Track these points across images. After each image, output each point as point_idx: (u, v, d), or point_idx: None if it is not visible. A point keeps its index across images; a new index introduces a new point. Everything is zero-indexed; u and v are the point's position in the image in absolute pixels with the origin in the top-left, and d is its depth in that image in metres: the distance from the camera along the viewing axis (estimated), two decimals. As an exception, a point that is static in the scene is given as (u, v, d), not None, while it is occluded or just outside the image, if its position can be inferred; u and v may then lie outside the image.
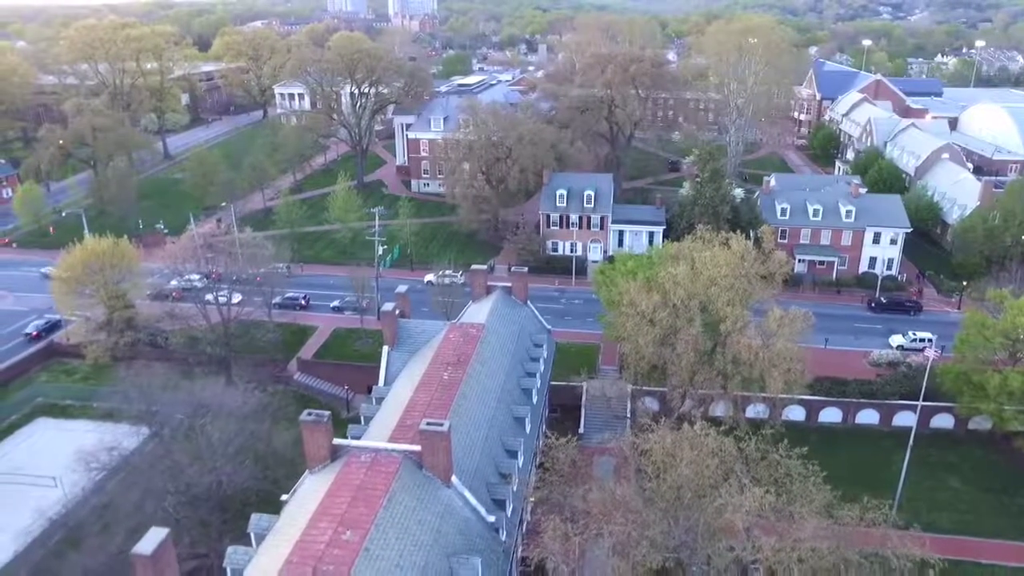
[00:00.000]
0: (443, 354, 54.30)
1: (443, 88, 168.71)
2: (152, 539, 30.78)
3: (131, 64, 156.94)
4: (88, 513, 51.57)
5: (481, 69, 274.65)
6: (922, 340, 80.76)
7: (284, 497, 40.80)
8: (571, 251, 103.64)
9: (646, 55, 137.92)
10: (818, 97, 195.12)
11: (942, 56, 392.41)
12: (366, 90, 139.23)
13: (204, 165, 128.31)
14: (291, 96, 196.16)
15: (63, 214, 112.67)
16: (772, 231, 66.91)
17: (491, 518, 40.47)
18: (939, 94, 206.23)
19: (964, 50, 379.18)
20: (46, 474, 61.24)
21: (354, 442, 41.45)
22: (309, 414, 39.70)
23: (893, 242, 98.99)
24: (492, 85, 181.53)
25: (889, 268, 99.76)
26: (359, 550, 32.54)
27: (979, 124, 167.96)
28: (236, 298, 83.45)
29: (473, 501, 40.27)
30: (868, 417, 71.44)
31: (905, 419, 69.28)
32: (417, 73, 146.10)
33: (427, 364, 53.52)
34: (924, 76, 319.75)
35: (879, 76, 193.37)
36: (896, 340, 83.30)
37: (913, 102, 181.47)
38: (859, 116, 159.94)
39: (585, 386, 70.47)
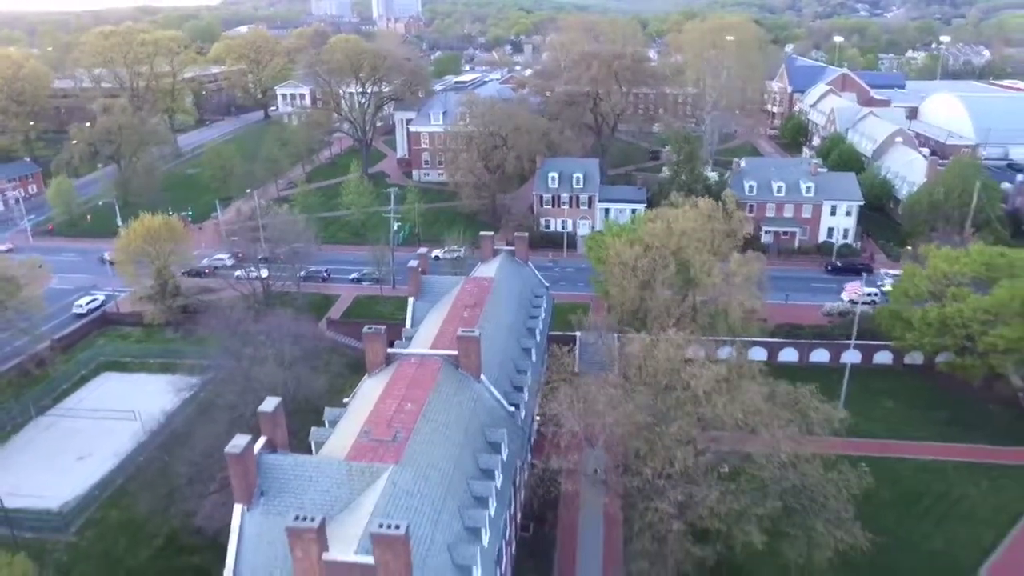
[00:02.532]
0: (461, 299, 65.63)
1: (439, 86, 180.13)
2: (271, 402, 42.21)
3: (145, 67, 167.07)
4: (173, 431, 62.34)
5: (471, 69, 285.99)
6: (869, 294, 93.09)
7: (346, 400, 52.07)
8: (563, 228, 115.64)
9: (628, 52, 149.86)
10: (789, 90, 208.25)
11: (912, 51, 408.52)
12: (370, 88, 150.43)
13: (221, 158, 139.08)
14: (292, 96, 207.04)
15: (100, 203, 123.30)
16: (734, 196, 78.84)
17: (511, 408, 52.10)
18: (902, 86, 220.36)
19: (933, 46, 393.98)
20: (123, 411, 72.29)
21: (404, 350, 52.97)
22: (369, 328, 51.21)
23: (848, 214, 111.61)
24: (485, 82, 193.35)
25: (845, 237, 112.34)
26: (419, 414, 44.05)
27: (936, 113, 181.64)
28: (264, 273, 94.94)
29: (497, 394, 51.87)
30: (820, 356, 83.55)
31: (851, 357, 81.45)
32: (417, 72, 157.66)
33: (448, 308, 64.78)
34: (895, 70, 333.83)
35: (845, 70, 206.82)
36: (846, 295, 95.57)
37: (877, 94, 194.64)
38: (824, 106, 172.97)
39: (579, 334, 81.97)
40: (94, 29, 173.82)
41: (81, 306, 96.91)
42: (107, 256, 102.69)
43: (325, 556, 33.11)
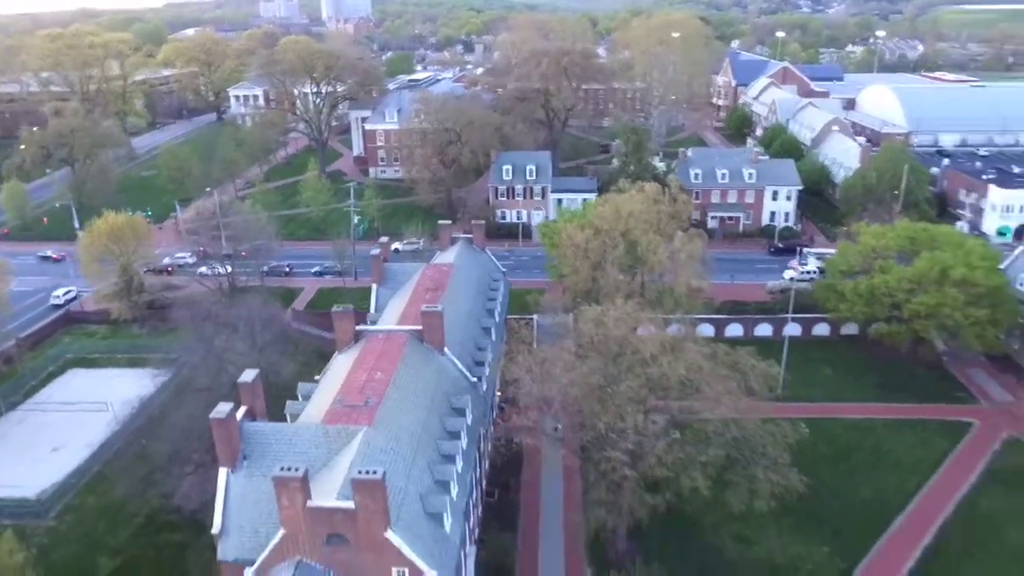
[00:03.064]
0: (422, 284, 68.77)
1: (392, 85, 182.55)
2: (249, 374, 45.23)
3: (96, 70, 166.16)
4: (150, 416, 64.46)
5: (423, 69, 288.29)
6: (809, 272, 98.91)
7: (317, 377, 55.04)
8: (518, 218, 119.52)
9: (576, 48, 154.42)
10: (734, 84, 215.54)
11: (852, 46, 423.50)
12: (325, 88, 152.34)
13: (177, 159, 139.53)
14: (246, 98, 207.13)
15: (57, 205, 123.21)
16: (678, 180, 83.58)
17: (474, 378, 55.66)
18: (840, 79, 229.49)
19: (871, 40, 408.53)
20: (97, 403, 73.88)
21: (372, 327, 56.16)
22: (338, 307, 54.29)
23: (788, 198, 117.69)
24: (439, 80, 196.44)
25: (786, 220, 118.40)
26: (388, 383, 47.33)
27: (872, 103, 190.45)
28: (227, 269, 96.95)
29: (460, 365, 55.39)
30: (764, 330, 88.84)
31: (792, 330, 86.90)
32: (370, 71, 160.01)
33: (410, 292, 67.84)
34: (835, 64, 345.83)
35: (786, 63, 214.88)
36: (788, 273, 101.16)
37: (817, 86, 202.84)
38: (766, 98, 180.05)
39: (536, 317, 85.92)
40: (40, 32, 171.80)
41: (58, 296, 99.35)
42: (50, 253, 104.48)
43: (309, 503, 36.35)
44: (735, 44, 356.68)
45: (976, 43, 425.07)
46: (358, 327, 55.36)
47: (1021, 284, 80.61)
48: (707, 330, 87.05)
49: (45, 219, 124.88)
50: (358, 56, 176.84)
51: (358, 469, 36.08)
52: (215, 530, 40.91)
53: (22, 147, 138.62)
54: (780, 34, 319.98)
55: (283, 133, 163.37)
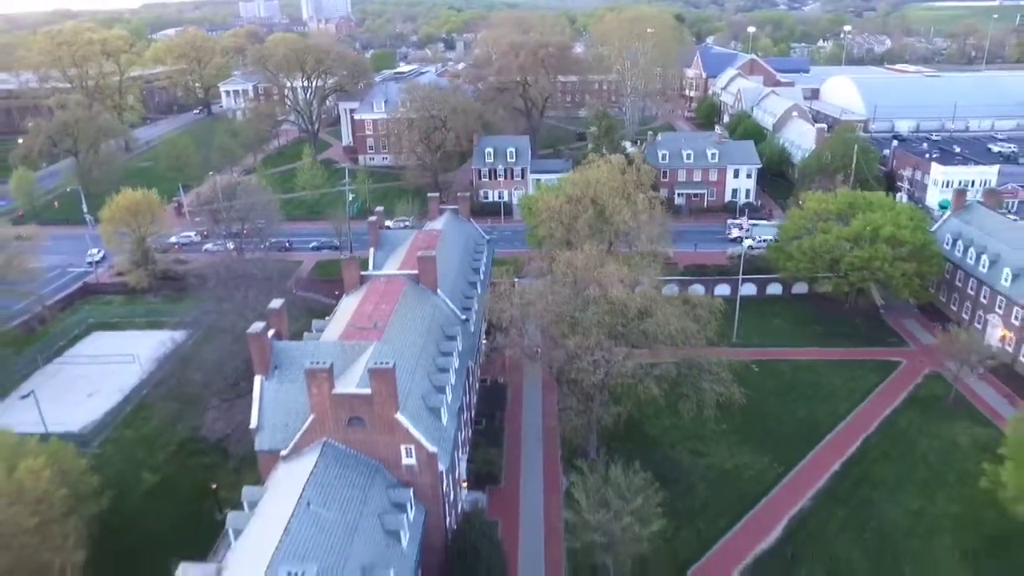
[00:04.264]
0: (416, 245, 77.56)
1: (378, 78, 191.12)
2: (277, 302, 54.06)
3: (94, 66, 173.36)
4: (181, 356, 72.83)
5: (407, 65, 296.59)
6: (764, 240, 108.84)
7: (328, 318, 63.77)
8: (499, 198, 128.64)
9: (553, 41, 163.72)
10: (704, 76, 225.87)
11: (823, 41, 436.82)
12: (315, 81, 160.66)
13: (176, 148, 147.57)
14: (236, 92, 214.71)
15: (68, 189, 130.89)
16: (641, 153, 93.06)
17: (463, 316, 64.72)
18: (807, 71, 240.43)
19: (841, 35, 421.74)
20: (124, 356, 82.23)
21: (375, 272, 65.10)
22: (345, 255, 63.09)
23: (749, 176, 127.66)
24: (423, 73, 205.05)
25: (747, 196, 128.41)
26: (391, 312, 56.28)
27: (834, 93, 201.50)
28: (230, 245, 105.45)
29: (452, 305, 64.45)
30: (723, 290, 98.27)
31: (748, 290, 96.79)
32: (359, 64, 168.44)
33: (405, 251, 76.81)
34: (805, 58, 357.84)
35: (753, 56, 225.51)
36: (747, 242, 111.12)
37: (783, 77, 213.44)
38: (733, 88, 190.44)
39: (517, 280, 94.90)
40: (42, 29, 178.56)
41: (93, 254, 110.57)
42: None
43: (334, 391, 45.28)
44: (710, 40, 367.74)
45: (942, 38, 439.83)
46: (363, 273, 64.24)
47: (947, 244, 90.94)
48: (671, 289, 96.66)
49: (56, 203, 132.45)
50: (346, 51, 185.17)
51: (373, 362, 45.08)
52: (252, 425, 49.68)
53: (23, 139, 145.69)
54: (751, 29, 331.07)
55: (275, 125, 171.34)
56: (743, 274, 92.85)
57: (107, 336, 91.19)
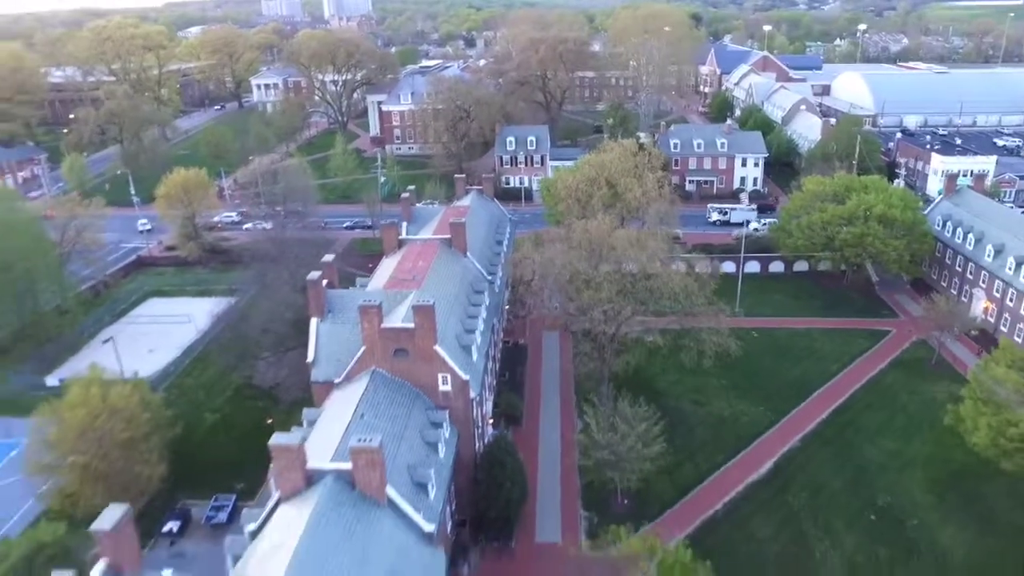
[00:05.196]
0: (445, 217, 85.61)
1: (404, 73, 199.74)
2: (329, 256, 62.13)
3: (135, 60, 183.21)
4: (238, 308, 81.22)
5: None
6: (765, 223, 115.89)
7: (369, 277, 71.76)
8: (520, 183, 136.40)
9: (571, 37, 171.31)
10: (718, 72, 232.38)
11: (840, 40, 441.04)
12: (345, 75, 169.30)
13: (215, 137, 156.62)
14: (266, 86, 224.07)
15: (118, 172, 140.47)
16: (650, 137, 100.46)
17: (489, 277, 72.54)
18: (819, 68, 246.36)
19: (857, 34, 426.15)
20: (181, 317, 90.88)
21: (411, 236, 73.11)
22: (384, 221, 71.05)
23: (756, 164, 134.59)
24: (447, 67, 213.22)
25: (755, 184, 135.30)
26: (428, 268, 64.19)
27: (844, 89, 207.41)
28: (268, 225, 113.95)
29: (479, 266, 72.28)
30: (728, 267, 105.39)
31: (752, 267, 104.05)
32: (387, 58, 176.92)
33: (436, 222, 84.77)
34: (820, 56, 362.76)
35: (765, 53, 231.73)
36: (753, 224, 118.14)
37: (796, 74, 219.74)
38: (745, 83, 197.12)
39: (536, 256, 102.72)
40: (89, 24, 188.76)
41: (145, 223, 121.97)
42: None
43: (383, 325, 53.19)
44: (727, 38, 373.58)
45: (960, 37, 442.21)
46: (400, 237, 72.23)
47: (938, 225, 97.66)
48: (680, 267, 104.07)
49: (107, 185, 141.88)
50: (374, 46, 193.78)
51: (416, 300, 52.94)
52: (309, 359, 57.70)
53: (73, 127, 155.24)
54: (767, 27, 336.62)
55: (306, 116, 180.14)
56: (748, 253, 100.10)
57: (162, 301, 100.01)
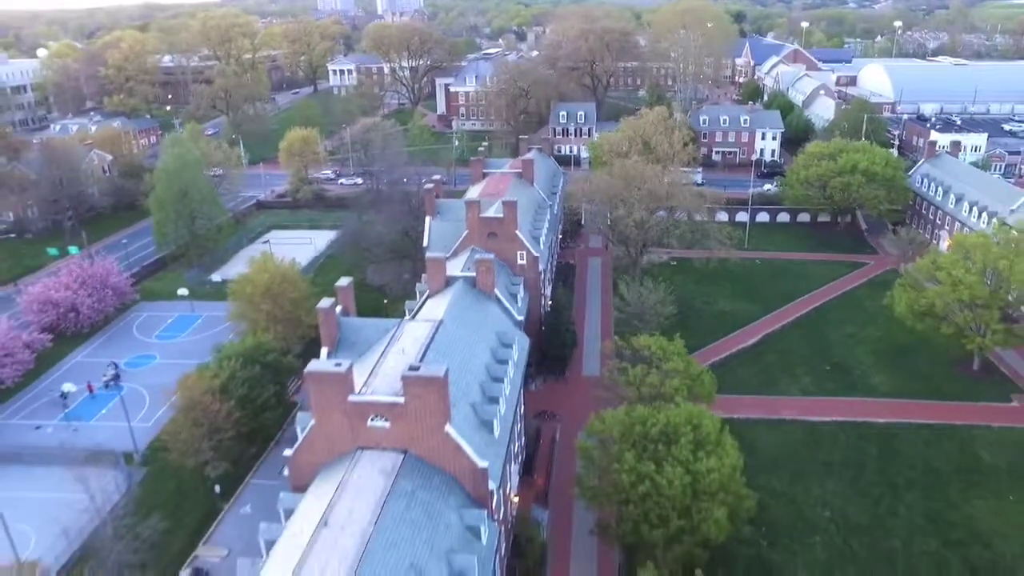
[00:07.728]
0: (513, 166, 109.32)
1: (468, 59, 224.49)
2: (436, 175, 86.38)
3: (235, 46, 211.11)
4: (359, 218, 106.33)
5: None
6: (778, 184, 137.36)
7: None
8: (571, 151, 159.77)
9: (617, 28, 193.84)
10: (752, 64, 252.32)
11: (880, 37, 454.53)
12: (418, 60, 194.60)
13: (307, 111, 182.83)
14: (341, 71, 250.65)
15: (234, 137, 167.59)
16: (680, 105, 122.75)
17: (549, 203, 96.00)
18: (849, 61, 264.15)
19: (897, 33, 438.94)
20: (302, 240, 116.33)
21: (494, 169, 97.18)
22: (474, 157, 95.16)
23: (774, 138, 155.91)
24: (507, 55, 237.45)
25: (772, 155, 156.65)
26: (507, 188, 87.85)
27: (868, 80, 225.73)
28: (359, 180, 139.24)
29: (542, 193, 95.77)
30: (742, 217, 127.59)
31: (762, 217, 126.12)
32: (455, 46, 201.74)
33: (507, 168, 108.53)
34: (858, 52, 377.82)
35: (796, 46, 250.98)
36: (767, 185, 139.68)
37: (824, 66, 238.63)
38: (774, 73, 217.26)
39: (584, 206, 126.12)
40: (199, 14, 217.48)
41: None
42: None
43: (481, 215, 76.92)
44: (770, 35, 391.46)
45: (1006, 35, 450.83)
46: (484, 170, 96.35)
47: (918, 183, 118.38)
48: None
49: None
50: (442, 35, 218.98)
51: (504, 198, 76.66)
52: (424, 243, 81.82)
53: (192, 101, 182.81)
54: (804, 24, 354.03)
55: (381, 96, 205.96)
56: (756, 205, 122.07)
57: (282, 233, 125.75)
